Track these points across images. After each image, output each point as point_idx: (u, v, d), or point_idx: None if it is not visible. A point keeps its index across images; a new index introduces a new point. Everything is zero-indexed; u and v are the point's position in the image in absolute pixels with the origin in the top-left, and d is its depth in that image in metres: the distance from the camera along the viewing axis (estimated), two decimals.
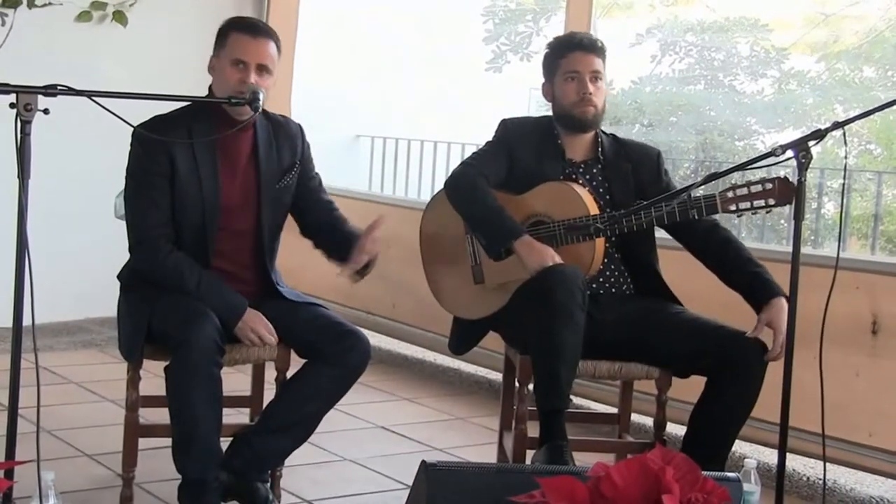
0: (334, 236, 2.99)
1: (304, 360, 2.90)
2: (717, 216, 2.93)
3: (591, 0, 4.32)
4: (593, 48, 3.08)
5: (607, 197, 3.08)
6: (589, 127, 3.09)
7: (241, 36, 2.83)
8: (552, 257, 2.86)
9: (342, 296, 5.11)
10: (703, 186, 2.86)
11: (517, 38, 11.44)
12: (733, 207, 2.82)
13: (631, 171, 3.11)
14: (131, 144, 2.86)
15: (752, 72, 11.50)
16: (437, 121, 8.74)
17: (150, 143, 2.79)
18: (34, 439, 2.23)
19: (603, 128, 3.20)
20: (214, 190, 2.84)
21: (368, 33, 8.54)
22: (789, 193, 2.72)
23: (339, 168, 7.22)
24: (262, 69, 2.81)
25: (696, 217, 2.88)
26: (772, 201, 2.78)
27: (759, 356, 2.82)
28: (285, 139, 2.98)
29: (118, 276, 2.97)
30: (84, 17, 5.08)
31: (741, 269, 2.98)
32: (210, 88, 2.89)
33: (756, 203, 2.79)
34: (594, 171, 3.12)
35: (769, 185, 2.78)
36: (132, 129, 2.66)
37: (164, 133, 2.78)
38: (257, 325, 2.82)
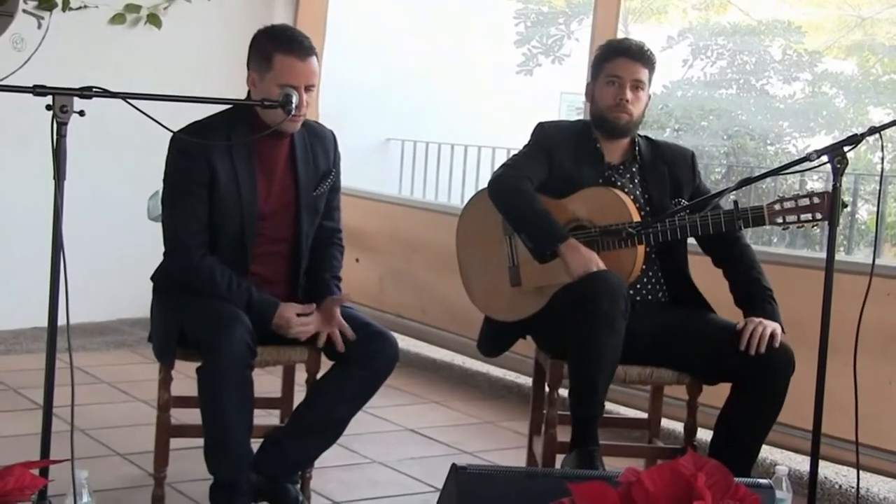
0: (312, 274, 2.99)
1: (332, 362, 2.91)
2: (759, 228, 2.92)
3: (619, 5, 4.31)
4: (640, 57, 3.05)
5: (646, 197, 3.07)
6: (620, 133, 3.07)
7: (289, 59, 2.76)
8: (596, 263, 2.85)
9: (372, 299, 5.12)
10: (736, 192, 2.84)
11: (549, 40, 11.42)
12: (780, 220, 2.80)
13: (668, 173, 3.10)
14: (169, 150, 2.85)
15: (784, 75, 11.41)
16: (467, 124, 8.74)
17: (189, 148, 2.79)
18: (68, 438, 2.25)
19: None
20: (253, 197, 2.84)
21: (398, 36, 8.55)
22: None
23: (369, 172, 7.24)
24: (309, 87, 2.81)
25: (742, 227, 2.88)
26: (819, 215, 2.76)
27: (785, 362, 2.81)
28: (320, 145, 2.99)
29: (151, 278, 2.99)
30: (118, 19, 5.12)
31: (750, 291, 2.97)
32: (249, 96, 2.89)
33: (803, 217, 2.78)
34: (632, 171, 3.11)
35: (816, 200, 2.76)
36: (171, 134, 2.67)
37: (202, 139, 2.78)
38: (294, 317, 2.83)
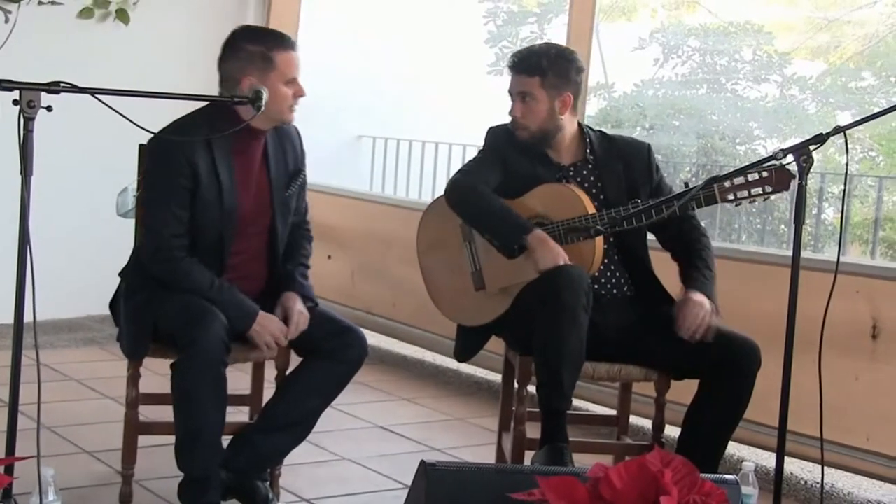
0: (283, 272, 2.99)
1: (301, 358, 2.91)
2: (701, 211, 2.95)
3: (594, 4, 4.33)
4: (519, 67, 3.02)
5: (601, 197, 3.07)
6: (534, 146, 3.06)
7: (288, 54, 2.83)
8: (563, 257, 2.87)
9: (343, 295, 5.12)
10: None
11: (520, 40, 11.43)
12: (731, 196, 2.83)
13: (623, 170, 3.10)
14: (148, 150, 2.83)
15: (754, 77, 11.50)
16: (438, 122, 8.73)
17: (170, 149, 2.76)
18: (34, 436, 2.24)
19: (591, 125, 3.20)
20: (232, 196, 2.83)
21: (370, 33, 8.53)
22: (786, 180, 2.75)
23: (340, 168, 7.22)
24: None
25: (695, 209, 2.91)
26: (769, 188, 2.80)
27: (751, 357, 2.84)
28: (289, 144, 3.00)
29: (120, 274, 2.97)
30: (86, 13, 5.08)
31: (692, 264, 3.02)
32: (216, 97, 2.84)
33: (753, 191, 2.81)
34: (584, 172, 3.11)
35: (765, 174, 2.79)
36: (144, 130, 2.63)
37: (183, 138, 2.76)
38: (272, 328, 2.82)
